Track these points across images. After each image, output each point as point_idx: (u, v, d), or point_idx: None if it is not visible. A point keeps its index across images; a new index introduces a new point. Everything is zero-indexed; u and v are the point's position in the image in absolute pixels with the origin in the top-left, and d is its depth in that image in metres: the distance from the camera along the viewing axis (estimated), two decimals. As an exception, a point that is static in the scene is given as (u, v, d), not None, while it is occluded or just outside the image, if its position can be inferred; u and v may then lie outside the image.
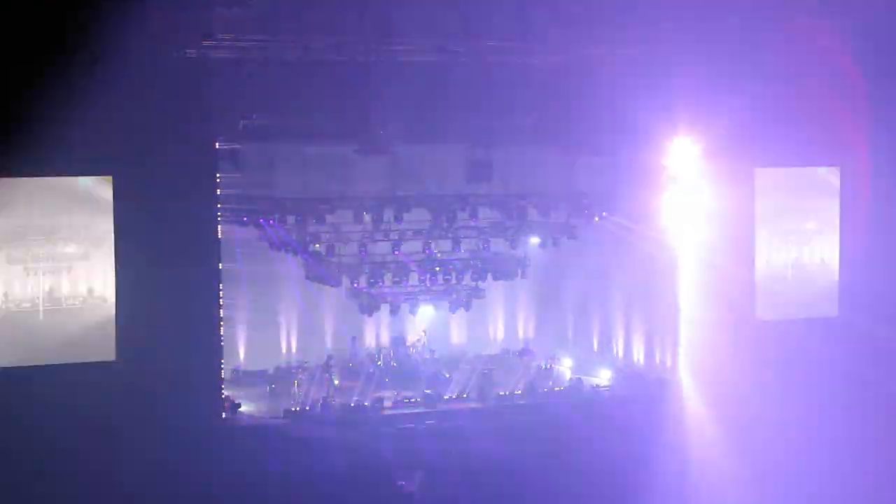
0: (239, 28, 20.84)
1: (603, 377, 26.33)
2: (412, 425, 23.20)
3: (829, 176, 25.87)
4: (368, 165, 23.64)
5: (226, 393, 22.57)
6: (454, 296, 26.17)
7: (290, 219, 23.87)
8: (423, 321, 27.52)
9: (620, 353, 27.20)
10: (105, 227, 20.63)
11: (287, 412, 22.99)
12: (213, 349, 21.54)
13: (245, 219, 23.92)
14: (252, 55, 21.14)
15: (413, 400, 24.18)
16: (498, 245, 25.96)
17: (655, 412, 24.67)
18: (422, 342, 27.64)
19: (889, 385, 25.24)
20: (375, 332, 27.76)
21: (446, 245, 25.40)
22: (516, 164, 25.21)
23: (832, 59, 23.75)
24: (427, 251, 25.22)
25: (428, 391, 24.65)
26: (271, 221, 23.79)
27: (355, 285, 25.19)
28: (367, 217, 24.13)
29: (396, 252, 24.91)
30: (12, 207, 20.18)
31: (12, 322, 20.34)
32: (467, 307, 26.52)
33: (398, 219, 24.36)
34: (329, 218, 24.02)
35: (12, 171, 19.89)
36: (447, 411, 23.79)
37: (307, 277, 25.76)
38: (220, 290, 21.72)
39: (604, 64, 22.76)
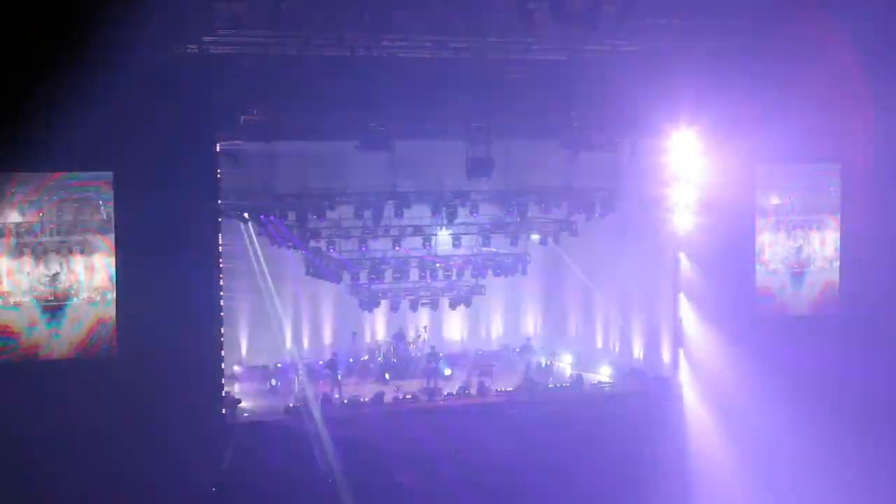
0: (240, 24, 20.81)
1: (603, 374, 26.35)
2: (412, 421, 23.19)
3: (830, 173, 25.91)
4: (369, 161, 23.60)
5: (226, 389, 22.56)
6: (455, 292, 26.16)
7: (291, 214, 23.84)
8: (424, 317, 27.51)
9: (620, 350, 27.19)
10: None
11: (287, 408, 22.99)
12: (213, 345, 21.52)
13: (245, 214, 23.91)
14: (253, 51, 21.11)
15: (413, 396, 24.17)
16: (498, 241, 25.93)
17: (655, 408, 24.71)
18: (422, 338, 27.63)
19: (889, 383, 25.26)
20: (376, 328, 27.74)
21: (447, 241, 25.37)
22: (517, 160, 25.19)
23: (834, 55, 23.72)
24: (427, 247, 25.20)
25: (428, 387, 24.66)
26: (272, 217, 23.76)
27: (356, 281, 25.17)
28: (367, 213, 24.10)
29: (397, 248, 24.89)
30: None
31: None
32: (468, 303, 26.53)
33: (399, 215, 24.33)
34: (329, 214, 23.99)
35: (13, 167, 19.86)
36: (447, 407, 23.78)
37: (307, 273, 25.75)
38: (220, 285, 21.68)
39: (605, 60, 22.74)
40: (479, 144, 23.52)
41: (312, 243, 24.41)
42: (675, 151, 24.62)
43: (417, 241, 25.16)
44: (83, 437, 20.10)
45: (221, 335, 21.81)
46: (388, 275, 25.06)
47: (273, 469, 21.61)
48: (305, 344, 27.25)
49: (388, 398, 24.00)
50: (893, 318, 25.33)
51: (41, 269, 20.25)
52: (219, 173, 21.67)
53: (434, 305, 26.29)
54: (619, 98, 22.28)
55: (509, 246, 25.94)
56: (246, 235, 24.54)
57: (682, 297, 25.04)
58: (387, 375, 25.96)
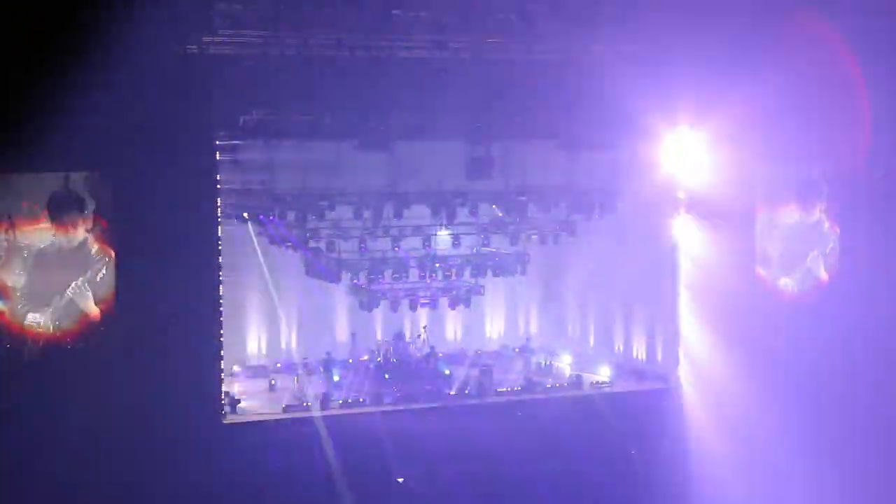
0: (239, 24, 20.82)
1: (602, 373, 26.33)
2: (412, 421, 23.18)
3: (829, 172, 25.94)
4: (368, 161, 23.60)
5: (226, 389, 22.57)
6: (454, 292, 26.15)
7: (290, 215, 23.84)
8: (423, 317, 27.51)
9: (620, 350, 27.21)
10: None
11: (287, 408, 23.00)
12: (213, 345, 21.51)
13: (245, 215, 23.92)
14: (252, 51, 21.11)
15: (412, 396, 24.17)
16: (498, 241, 25.93)
17: (655, 408, 24.73)
18: (422, 338, 27.64)
19: (888, 382, 25.26)
20: (375, 329, 27.75)
21: (446, 241, 25.38)
22: (516, 160, 25.18)
23: (833, 55, 23.75)
24: (427, 247, 25.21)
25: (428, 387, 24.66)
26: (271, 217, 23.76)
27: (355, 281, 25.19)
28: (366, 213, 24.11)
29: (396, 248, 24.90)
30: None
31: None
32: (467, 303, 26.51)
33: (398, 215, 24.34)
34: (329, 214, 24.00)
35: (11, 167, 19.85)
36: (447, 407, 23.77)
37: (307, 273, 25.76)
38: (220, 286, 21.67)
39: (604, 60, 22.75)
40: (478, 144, 23.56)
41: (312, 243, 24.43)
42: (675, 151, 24.62)
43: (417, 241, 25.17)
44: (82, 436, 20.07)
45: (221, 335, 21.80)
46: (388, 275, 25.05)
47: (273, 469, 21.60)
48: (304, 344, 27.25)
49: (387, 398, 23.99)
50: (893, 317, 25.33)
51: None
52: (218, 173, 21.67)
53: (433, 305, 26.27)
54: (618, 98, 22.26)
55: (509, 246, 25.94)
56: (246, 235, 24.52)
57: (682, 296, 25.05)
58: (386, 376, 25.96)
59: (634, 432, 23.86)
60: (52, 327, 20.33)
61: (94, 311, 20.59)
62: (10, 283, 20.12)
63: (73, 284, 20.44)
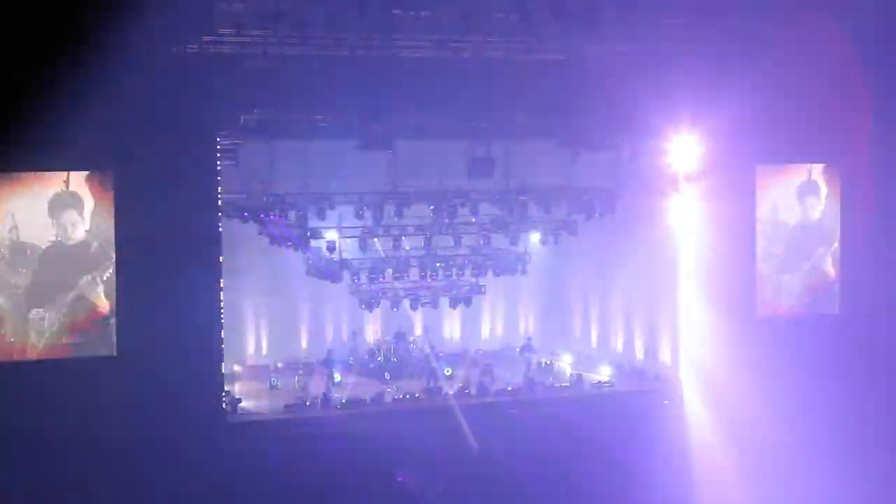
0: (240, 23, 20.81)
1: (603, 373, 26.34)
2: (412, 421, 23.20)
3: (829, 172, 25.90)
4: (369, 161, 23.62)
5: (226, 388, 22.58)
6: (455, 291, 26.17)
7: (291, 214, 23.88)
8: (424, 317, 27.52)
9: (621, 349, 27.20)
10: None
11: (288, 407, 23.02)
12: (213, 344, 21.51)
13: (246, 214, 23.93)
14: (253, 50, 21.11)
15: (413, 395, 24.19)
16: (498, 241, 25.95)
17: (655, 408, 24.71)
18: (422, 338, 27.64)
19: (889, 382, 25.26)
20: (376, 328, 27.76)
21: (447, 241, 25.38)
22: (517, 160, 25.21)
23: (833, 56, 23.73)
24: (428, 247, 25.22)
25: (428, 387, 24.67)
26: (272, 217, 23.79)
27: (356, 281, 25.21)
28: (367, 212, 24.13)
29: (397, 247, 24.90)
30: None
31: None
32: (468, 303, 26.54)
33: (399, 214, 24.36)
34: (330, 213, 24.02)
35: (12, 166, 19.88)
36: (447, 407, 23.79)
37: (308, 273, 25.78)
38: (220, 285, 21.69)
39: (605, 60, 22.74)
40: (479, 144, 23.56)
41: (312, 243, 24.44)
42: (675, 151, 24.61)
43: (418, 240, 25.18)
44: (82, 436, 20.09)
45: (222, 335, 21.81)
46: (389, 274, 25.08)
47: (273, 469, 21.62)
48: (305, 343, 27.28)
49: (388, 398, 24.01)
50: (893, 318, 25.32)
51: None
52: (219, 172, 21.69)
53: (434, 305, 26.30)
54: (619, 98, 22.26)
55: (509, 245, 25.95)
56: (246, 235, 24.53)
57: (681, 296, 25.04)
58: (387, 375, 25.98)
59: (635, 432, 23.83)
60: (56, 324, 20.36)
61: (103, 304, 20.58)
62: (13, 281, 20.16)
63: (84, 278, 20.46)
